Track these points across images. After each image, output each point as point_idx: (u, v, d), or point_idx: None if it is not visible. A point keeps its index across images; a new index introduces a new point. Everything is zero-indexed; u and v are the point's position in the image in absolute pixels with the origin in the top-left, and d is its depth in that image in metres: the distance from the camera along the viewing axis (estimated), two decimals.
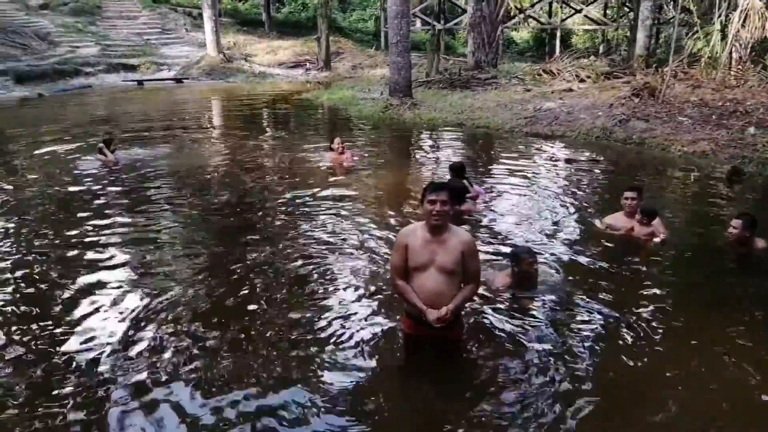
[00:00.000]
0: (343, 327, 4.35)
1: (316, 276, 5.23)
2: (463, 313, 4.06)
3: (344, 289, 4.98)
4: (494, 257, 5.67)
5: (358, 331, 4.30)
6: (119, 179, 8.54)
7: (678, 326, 4.45)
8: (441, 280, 3.55)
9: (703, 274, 5.52)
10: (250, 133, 12.46)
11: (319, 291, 4.97)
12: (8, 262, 5.52)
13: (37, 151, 10.34)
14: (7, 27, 21.46)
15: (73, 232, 6.31)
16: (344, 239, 6.13)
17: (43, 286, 5.07)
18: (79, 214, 6.93)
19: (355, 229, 6.44)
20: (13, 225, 6.59)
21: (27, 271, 5.36)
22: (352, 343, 4.16)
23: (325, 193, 7.77)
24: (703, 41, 15.52)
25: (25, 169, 9.20)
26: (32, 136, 11.77)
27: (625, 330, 4.37)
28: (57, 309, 4.66)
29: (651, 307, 4.69)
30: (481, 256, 5.27)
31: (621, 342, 4.22)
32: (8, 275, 5.24)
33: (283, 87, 20.83)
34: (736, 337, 4.27)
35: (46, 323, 4.41)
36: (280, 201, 7.51)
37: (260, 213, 7.11)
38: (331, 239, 6.12)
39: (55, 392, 3.62)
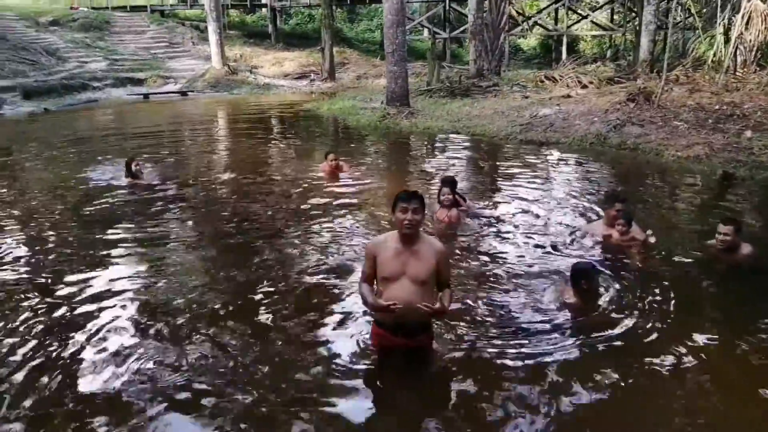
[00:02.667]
0: (331, 346, 4.29)
1: (306, 290, 5.21)
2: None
3: (332, 304, 4.92)
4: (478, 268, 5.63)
5: (343, 350, 4.21)
6: (128, 192, 8.48)
7: (673, 333, 4.37)
8: (413, 290, 3.48)
9: (694, 281, 5.38)
10: (250, 144, 12.55)
11: (307, 306, 4.90)
12: (14, 277, 5.56)
13: (41, 165, 10.49)
14: (17, 44, 21.86)
15: (80, 245, 6.37)
16: (340, 249, 6.14)
17: (49, 299, 5.09)
18: (86, 227, 6.97)
19: (350, 238, 6.45)
20: (22, 237, 6.70)
21: (36, 284, 5.39)
22: (342, 363, 4.08)
23: (322, 202, 7.77)
24: (706, 45, 15.35)
25: (32, 182, 9.31)
26: (37, 149, 11.99)
27: (617, 339, 4.30)
28: (62, 322, 4.67)
29: (643, 316, 4.59)
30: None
31: (612, 349, 4.16)
32: (13, 288, 5.29)
33: (286, 98, 20.92)
34: (735, 341, 4.24)
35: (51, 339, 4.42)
36: (280, 212, 7.49)
37: (264, 226, 7.02)
38: (328, 250, 6.13)
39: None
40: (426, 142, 12.56)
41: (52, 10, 26.81)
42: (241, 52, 26.40)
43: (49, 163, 10.54)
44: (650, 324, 4.48)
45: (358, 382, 3.87)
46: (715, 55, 14.16)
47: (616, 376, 3.86)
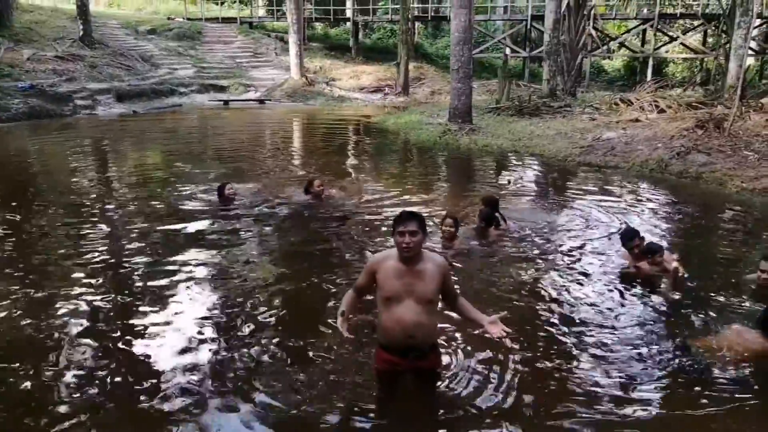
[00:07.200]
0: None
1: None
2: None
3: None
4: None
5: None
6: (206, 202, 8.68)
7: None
8: (420, 310, 3.41)
9: (723, 313, 5.07)
10: (306, 155, 12.99)
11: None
12: (94, 271, 5.98)
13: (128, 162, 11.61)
14: (116, 50, 23.64)
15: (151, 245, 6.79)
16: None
17: (120, 297, 5.43)
18: (162, 229, 7.36)
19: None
20: (108, 229, 7.45)
21: (113, 280, 5.81)
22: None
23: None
24: None
25: (121, 180, 10.31)
26: (128, 147, 13.50)
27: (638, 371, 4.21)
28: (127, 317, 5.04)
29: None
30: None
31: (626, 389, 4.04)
32: (90, 282, 5.70)
33: (358, 111, 21.38)
34: None
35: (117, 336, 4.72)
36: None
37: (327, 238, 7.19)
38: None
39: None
40: (479, 160, 12.48)
41: (152, 20, 28.76)
42: (321, 64, 27.19)
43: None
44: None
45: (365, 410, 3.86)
46: None
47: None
